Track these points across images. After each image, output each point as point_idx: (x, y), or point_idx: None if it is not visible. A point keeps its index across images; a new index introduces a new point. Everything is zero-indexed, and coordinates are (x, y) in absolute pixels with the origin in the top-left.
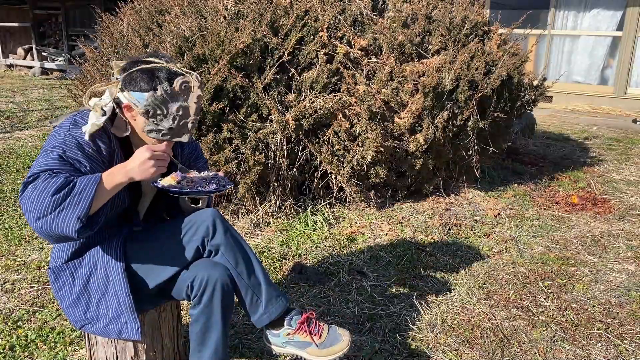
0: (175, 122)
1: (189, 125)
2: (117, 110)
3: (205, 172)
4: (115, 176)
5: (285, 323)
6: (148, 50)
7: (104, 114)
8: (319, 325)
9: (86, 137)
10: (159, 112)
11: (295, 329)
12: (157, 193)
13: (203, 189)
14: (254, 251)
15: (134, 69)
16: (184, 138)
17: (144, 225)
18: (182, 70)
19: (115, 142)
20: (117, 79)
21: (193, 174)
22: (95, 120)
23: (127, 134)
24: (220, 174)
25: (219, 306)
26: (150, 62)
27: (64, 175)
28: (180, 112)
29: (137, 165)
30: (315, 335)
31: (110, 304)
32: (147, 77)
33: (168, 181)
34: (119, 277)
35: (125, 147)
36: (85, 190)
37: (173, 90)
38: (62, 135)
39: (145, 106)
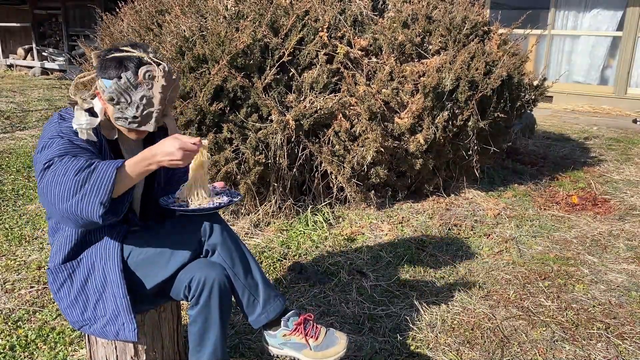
0: (139, 110)
1: (154, 115)
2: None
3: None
4: (141, 162)
5: (282, 324)
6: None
7: (96, 115)
8: (316, 327)
9: (83, 136)
10: (122, 100)
11: (291, 330)
12: (149, 192)
13: (217, 203)
14: (251, 251)
15: (107, 56)
16: (149, 127)
17: (141, 225)
18: (151, 59)
19: (102, 135)
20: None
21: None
22: (86, 122)
23: (115, 137)
24: (219, 184)
25: (216, 306)
26: (124, 51)
27: (85, 157)
28: (144, 102)
29: (167, 152)
30: (311, 337)
31: (107, 305)
32: (116, 64)
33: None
34: (116, 278)
35: (112, 142)
36: (106, 175)
37: (137, 79)
38: (55, 129)
39: (109, 93)
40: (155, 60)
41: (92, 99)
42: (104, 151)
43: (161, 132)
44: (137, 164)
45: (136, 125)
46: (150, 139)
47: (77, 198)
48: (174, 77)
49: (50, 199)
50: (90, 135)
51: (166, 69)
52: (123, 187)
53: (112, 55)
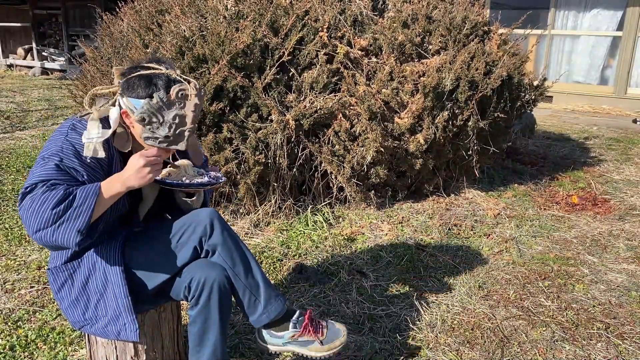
0: (172, 130)
1: (186, 134)
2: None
3: (200, 169)
4: (113, 186)
5: (290, 326)
6: (148, 50)
7: (108, 126)
8: (320, 323)
9: (89, 153)
10: (154, 119)
11: (300, 331)
12: (158, 194)
13: (195, 181)
14: (251, 251)
15: (133, 75)
16: (181, 146)
17: (143, 226)
18: (180, 77)
19: (114, 148)
20: (118, 83)
21: (187, 164)
22: (97, 136)
23: (129, 149)
24: (213, 172)
25: (216, 307)
26: (150, 68)
27: (63, 187)
28: (177, 121)
29: (134, 174)
30: (318, 333)
31: (108, 305)
32: (145, 83)
33: (164, 173)
34: (117, 278)
35: (124, 153)
36: (85, 203)
37: (169, 98)
38: (60, 142)
39: (141, 113)
40: (186, 77)
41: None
42: (114, 164)
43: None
44: (111, 188)
45: (166, 144)
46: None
47: (54, 227)
48: (202, 93)
49: (26, 226)
50: (96, 151)
51: (197, 86)
52: (98, 213)
53: (139, 73)
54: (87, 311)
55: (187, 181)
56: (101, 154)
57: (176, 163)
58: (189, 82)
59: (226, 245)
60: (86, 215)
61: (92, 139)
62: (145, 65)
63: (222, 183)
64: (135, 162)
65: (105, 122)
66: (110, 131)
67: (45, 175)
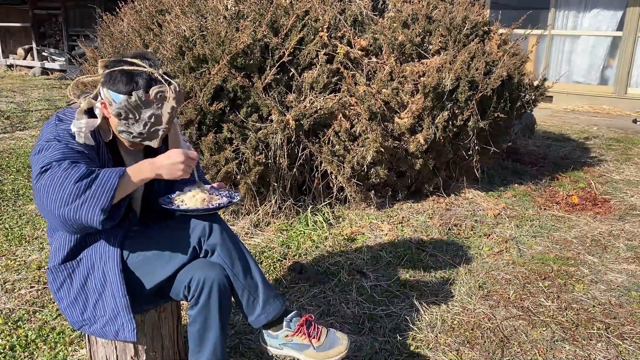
0: (146, 128)
1: (160, 132)
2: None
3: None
4: (142, 171)
5: (284, 325)
6: (149, 50)
7: (94, 115)
8: (318, 327)
9: (81, 140)
10: (130, 116)
11: (294, 330)
12: (150, 192)
13: (217, 204)
14: (250, 252)
15: (116, 68)
16: (153, 143)
17: (141, 225)
18: (162, 77)
19: (100, 136)
20: (102, 73)
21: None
22: (85, 125)
23: (110, 138)
24: (222, 186)
25: (216, 306)
26: (133, 64)
27: (85, 165)
28: (152, 120)
29: (168, 164)
30: (313, 338)
31: (107, 305)
32: (126, 79)
33: (193, 203)
34: (115, 278)
35: (111, 143)
36: (108, 182)
37: (148, 98)
38: (52, 130)
39: (118, 109)
40: (167, 78)
41: (94, 99)
42: (101, 153)
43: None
44: (139, 172)
45: (140, 140)
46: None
47: (77, 203)
48: (182, 95)
49: (46, 203)
50: (87, 138)
51: (177, 89)
52: (123, 194)
53: (122, 68)
54: (85, 311)
55: (210, 205)
56: (90, 141)
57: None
58: (169, 84)
59: (225, 245)
60: (109, 193)
61: (82, 127)
62: (130, 60)
63: (240, 200)
64: (176, 155)
65: (90, 112)
66: (98, 121)
67: (59, 154)
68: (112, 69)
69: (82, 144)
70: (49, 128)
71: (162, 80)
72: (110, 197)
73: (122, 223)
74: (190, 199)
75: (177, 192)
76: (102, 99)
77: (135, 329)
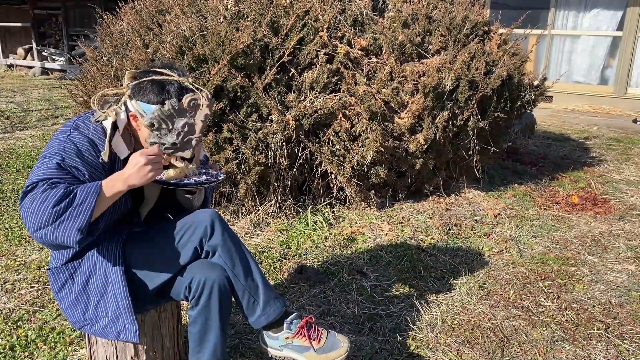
0: (179, 137)
1: (193, 142)
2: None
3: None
4: (115, 184)
5: (284, 327)
6: (148, 50)
7: (113, 127)
8: (318, 330)
9: (106, 157)
10: (164, 126)
11: (294, 332)
12: (160, 194)
13: (193, 180)
14: (251, 253)
15: (145, 79)
16: (186, 154)
17: (143, 226)
18: (193, 86)
19: (115, 155)
20: (127, 84)
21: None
22: (110, 137)
23: (128, 153)
24: (215, 168)
25: (216, 307)
26: (162, 74)
27: (64, 186)
28: (186, 129)
29: (135, 172)
30: (314, 340)
31: (109, 306)
32: (157, 89)
33: (170, 174)
34: (117, 278)
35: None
36: (85, 202)
37: (181, 107)
38: (62, 141)
39: (151, 119)
40: (198, 86)
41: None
42: (117, 165)
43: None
44: (112, 187)
45: (172, 151)
46: None
47: (54, 226)
48: (213, 103)
49: (27, 225)
50: (113, 153)
51: (209, 96)
52: (100, 210)
53: (152, 78)
54: (87, 311)
55: (186, 180)
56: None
57: (175, 163)
58: (201, 92)
59: (226, 246)
60: (87, 213)
61: (107, 141)
62: (158, 70)
63: (221, 180)
64: (136, 160)
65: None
66: (119, 134)
67: (47, 174)
68: (140, 80)
69: (89, 153)
70: (60, 137)
71: (194, 89)
72: (87, 217)
73: (125, 225)
74: (171, 172)
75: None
76: (130, 111)
77: (138, 330)
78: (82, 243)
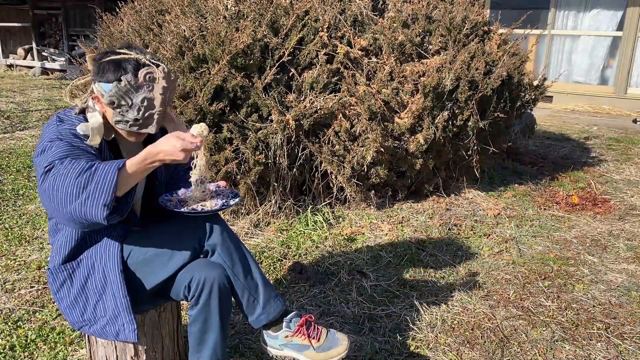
0: (140, 113)
1: (155, 117)
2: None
3: (210, 185)
4: (143, 159)
5: (284, 325)
6: (148, 50)
7: (97, 110)
8: (318, 328)
9: (94, 142)
10: (123, 102)
11: (293, 331)
12: (150, 193)
13: (210, 206)
14: (250, 252)
15: (104, 60)
16: (151, 129)
17: (142, 225)
18: (149, 61)
19: (102, 138)
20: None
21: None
22: (95, 122)
23: (112, 137)
24: (222, 183)
25: (216, 306)
26: (120, 53)
27: (85, 160)
28: (145, 104)
29: (168, 147)
30: (313, 338)
31: (107, 306)
32: (114, 67)
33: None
34: (116, 278)
35: (111, 142)
36: (107, 176)
37: (137, 81)
38: (54, 129)
39: (110, 97)
40: (154, 61)
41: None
42: (103, 152)
43: (160, 133)
44: (140, 163)
45: (137, 127)
46: (150, 139)
47: (80, 200)
48: (172, 77)
49: (53, 203)
50: (96, 138)
51: (166, 69)
52: (126, 187)
53: (109, 58)
54: (85, 312)
55: (203, 208)
56: (96, 142)
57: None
58: (157, 66)
59: (225, 246)
60: (110, 188)
61: (88, 129)
62: (117, 50)
63: (238, 201)
64: (174, 141)
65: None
66: (100, 118)
67: (61, 152)
68: (99, 62)
69: (81, 140)
70: (50, 128)
71: (150, 64)
72: (112, 192)
73: (123, 224)
74: (187, 200)
75: (175, 192)
76: (94, 94)
77: (137, 330)
78: (112, 220)
